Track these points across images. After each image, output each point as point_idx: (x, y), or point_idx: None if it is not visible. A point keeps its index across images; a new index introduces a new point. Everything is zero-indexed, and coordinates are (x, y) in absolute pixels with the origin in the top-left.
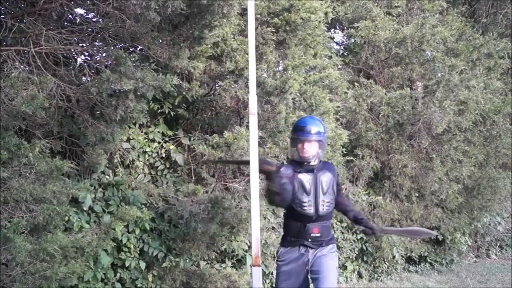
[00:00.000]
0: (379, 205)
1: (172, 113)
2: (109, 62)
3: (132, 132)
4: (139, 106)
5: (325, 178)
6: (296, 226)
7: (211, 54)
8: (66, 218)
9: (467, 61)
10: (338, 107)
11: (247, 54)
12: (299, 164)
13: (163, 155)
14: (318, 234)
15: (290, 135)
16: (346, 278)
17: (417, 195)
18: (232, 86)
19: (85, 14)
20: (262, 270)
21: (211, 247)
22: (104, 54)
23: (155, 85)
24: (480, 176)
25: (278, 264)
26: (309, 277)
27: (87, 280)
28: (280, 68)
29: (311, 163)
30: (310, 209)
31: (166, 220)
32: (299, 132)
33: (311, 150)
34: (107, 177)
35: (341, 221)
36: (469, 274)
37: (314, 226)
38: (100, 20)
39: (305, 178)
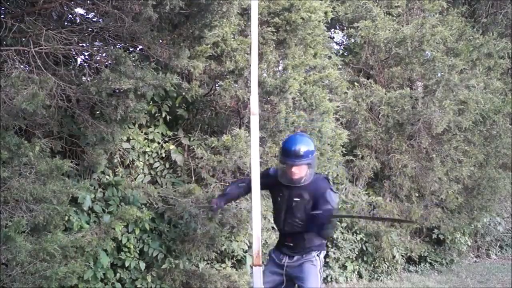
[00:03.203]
0: (379, 205)
1: (172, 113)
2: (109, 62)
3: (132, 132)
4: (139, 106)
5: (300, 198)
6: (279, 233)
7: (211, 53)
8: (66, 218)
9: (467, 61)
10: (338, 107)
11: (247, 54)
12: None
13: (163, 155)
14: (291, 244)
15: (279, 157)
16: (346, 278)
17: (417, 195)
18: (232, 86)
19: (85, 13)
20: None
21: (211, 247)
22: (104, 54)
23: (155, 84)
24: (480, 176)
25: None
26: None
27: (87, 280)
28: (280, 68)
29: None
30: (278, 224)
31: (166, 220)
32: (286, 157)
33: (299, 173)
34: (107, 177)
35: (340, 221)
36: (469, 274)
37: (289, 236)
38: (100, 19)
39: (282, 193)
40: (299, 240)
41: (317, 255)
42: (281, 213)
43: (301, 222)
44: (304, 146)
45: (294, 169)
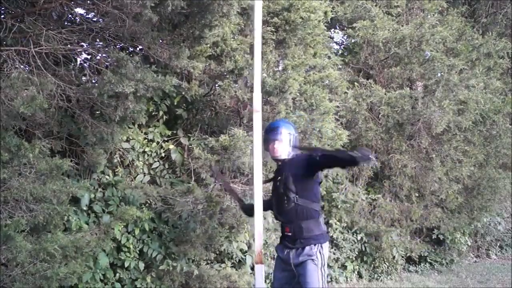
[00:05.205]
0: (379, 205)
1: (171, 113)
2: (109, 62)
3: (132, 132)
4: (139, 107)
5: (290, 171)
6: (280, 225)
7: (210, 53)
8: (66, 218)
9: (467, 61)
10: (338, 107)
11: (247, 53)
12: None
13: (163, 155)
14: (290, 234)
15: (263, 138)
16: (346, 278)
17: (417, 195)
18: (232, 86)
19: (85, 14)
20: None
21: (209, 248)
22: (104, 54)
23: (155, 86)
24: (480, 176)
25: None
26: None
27: (87, 281)
28: (280, 68)
29: (282, 159)
30: (275, 208)
31: (165, 220)
32: (268, 133)
33: (280, 149)
34: (107, 177)
35: (340, 221)
36: (469, 274)
37: (286, 225)
38: (100, 19)
39: (275, 179)
40: (297, 228)
41: (319, 252)
42: (278, 198)
43: (295, 194)
44: (284, 127)
45: (275, 144)
